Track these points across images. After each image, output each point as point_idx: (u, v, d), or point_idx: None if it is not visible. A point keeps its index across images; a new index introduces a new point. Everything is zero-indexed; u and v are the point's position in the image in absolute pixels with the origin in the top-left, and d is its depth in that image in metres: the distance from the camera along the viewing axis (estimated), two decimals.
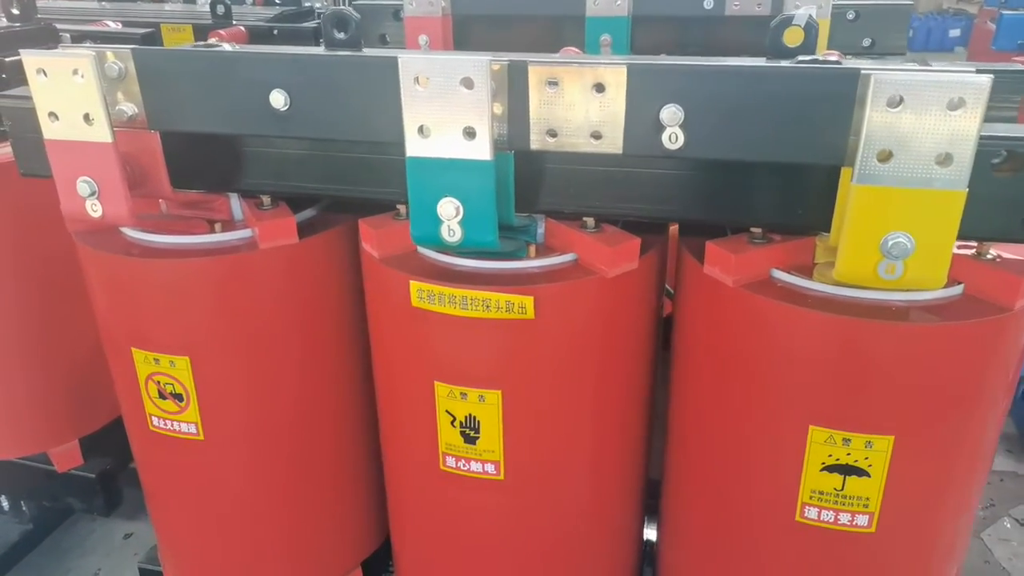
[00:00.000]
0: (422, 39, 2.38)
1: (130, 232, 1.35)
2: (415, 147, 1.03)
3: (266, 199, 1.34)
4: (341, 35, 1.71)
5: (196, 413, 1.38)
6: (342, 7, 1.85)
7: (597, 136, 1.02)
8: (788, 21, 1.40)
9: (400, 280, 1.20)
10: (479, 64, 0.96)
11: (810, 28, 1.37)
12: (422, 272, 1.20)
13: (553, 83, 1.01)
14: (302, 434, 1.47)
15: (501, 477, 1.29)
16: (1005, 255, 1.11)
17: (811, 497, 1.17)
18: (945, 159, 0.87)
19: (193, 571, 1.62)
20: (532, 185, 1.15)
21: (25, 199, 1.78)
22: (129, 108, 1.17)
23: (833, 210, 1.04)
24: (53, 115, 1.12)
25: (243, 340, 1.35)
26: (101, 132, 1.11)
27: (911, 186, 0.89)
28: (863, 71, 0.91)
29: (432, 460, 1.32)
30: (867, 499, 1.14)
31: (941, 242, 0.91)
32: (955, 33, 6.61)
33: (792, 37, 1.45)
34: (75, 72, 1.08)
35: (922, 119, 0.86)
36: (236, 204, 1.38)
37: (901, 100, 0.86)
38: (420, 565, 1.54)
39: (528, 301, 1.14)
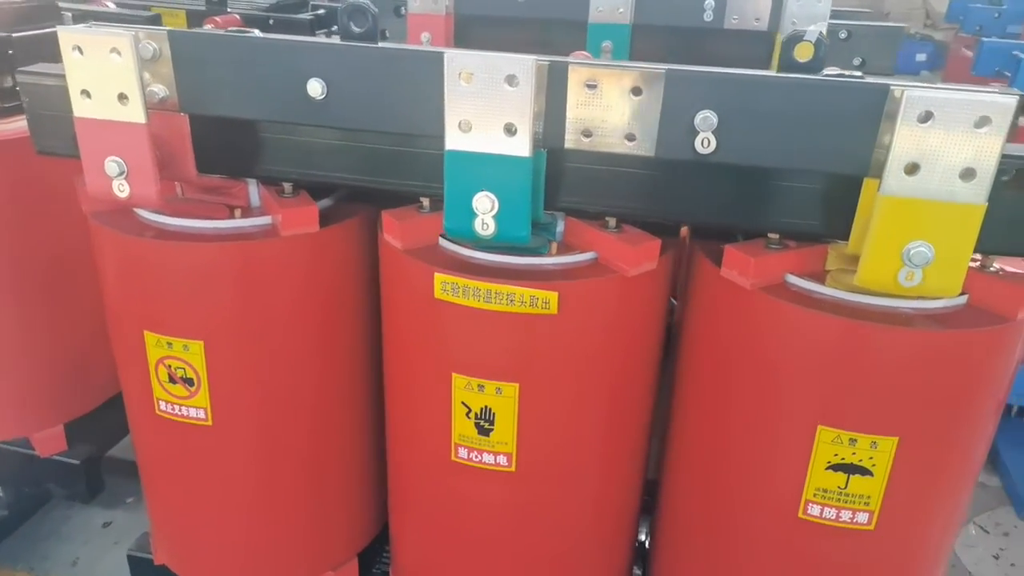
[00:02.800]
0: (424, 36, 2.40)
1: (147, 214, 1.34)
2: (455, 141, 1.05)
3: (287, 186, 1.35)
4: (358, 29, 1.73)
5: (206, 398, 1.38)
6: (357, 1, 1.86)
7: (631, 138, 1.06)
8: (800, 37, 1.45)
9: (424, 272, 1.21)
10: (525, 63, 0.99)
11: (820, 44, 1.42)
12: (446, 265, 1.22)
13: (592, 85, 1.04)
14: (310, 423, 1.47)
15: (512, 469, 1.31)
16: (1007, 268, 1.17)
17: (815, 495, 1.21)
18: (968, 174, 0.92)
19: (189, 557, 1.61)
20: (558, 183, 1.18)
21: (14, 182, 1.75)
22: (160, 90, 1.17)
23: (851, 219, 1.09)
24: (86, 93, 1.12)
25: (258, 326, 1.35)
26: (135, 112, 1.11)
27: (935, 198, 0.94)
28: (892, 86, 0.96)
29: (443, 451, 1.33)
30: (868, 497, 1.19)
31: (960, 253, 0.96)
32: (921, 57, 6.81)
33: (802, 52, 1.50)
34: (112, 51, 1.08)
35: (949, 135, 0.91)
36: (254, 191, 1.38)
37: (931, 116, 0.91)
38: (421, 555, 1.55)
39: (552, 296, 1.17)
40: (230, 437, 1.43)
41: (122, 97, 1.11)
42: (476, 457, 1.32)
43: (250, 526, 1.53)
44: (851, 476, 1.19)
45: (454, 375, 1.26)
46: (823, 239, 1.19)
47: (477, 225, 1.09)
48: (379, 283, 1.43)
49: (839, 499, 1.20)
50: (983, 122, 0.89)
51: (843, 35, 2.32)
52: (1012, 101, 0.88)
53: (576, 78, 1.04)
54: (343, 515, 1.62)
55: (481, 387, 1.26)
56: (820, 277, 1.19)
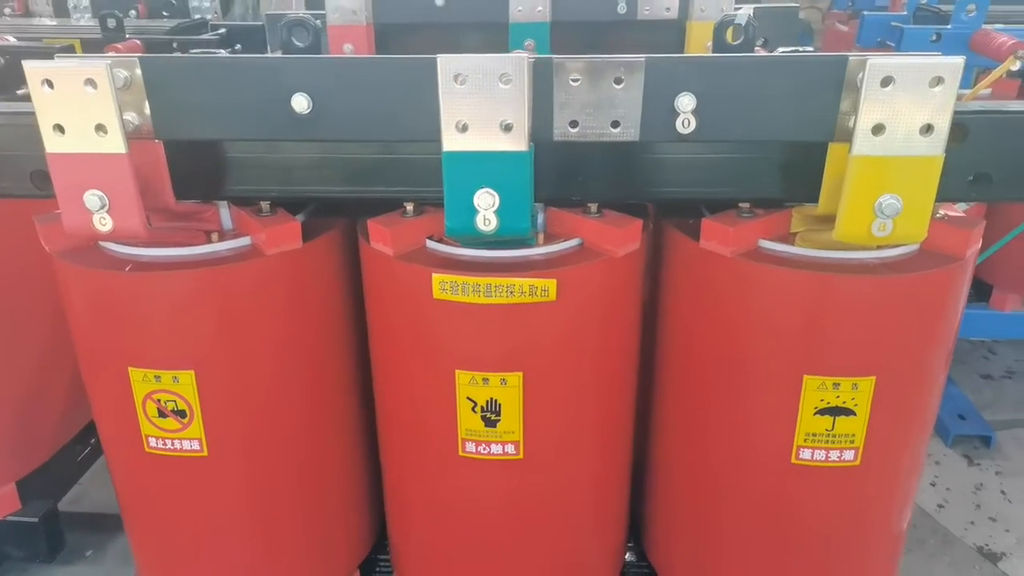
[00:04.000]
0: (347, 47, 2.39)
1: (117, 248, 1.30)
2: (453, 142, 1.08)
3: (264, 205, 1.34)
4: (300, 43, 1.73)
5: (200, 429, 1.35)
6: (301, 14, 1.85)
7: (616, 125, 1.12)
8: (731, 21, 1.56)
9: (421, 274, 1.24)
10: (518, 61, 1.03)
11: (749, 27, 1.53)
12: (441, 265, 1.24)
13: (575, 78, 1.09)
14: (305, 440, 1.46)
15: (520, 456, 1.35)
16: (950, 213, 1.30)
17: (806, 439, 1.31)
18: (927, 129, 1.03)
19: None
20: (544, 175, 1.22)
21: None
22: (133, 118, 1.14)
23: (817, 184, 1.19)
24: (59, 128, 1.08)
25: (248, 349, 1.33)
26: (115, 143, 1.08)
27: (900, 154, 1.04)
28: (851, 58, 1.06)
29: (450, 447, 1.36)
30: (853, 435, 1.30)
31: (924, 201, 1.07)
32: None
33: (733, 35, 1.61)
34: (87, 82, 1.05)
35: (909, 96, 1.01)
36: (226, 213, 1.36)
37: (891, 80, 1.01)
38: (427, 554, 1.57)
39: (551, 284, 1.22)
40: (226, 465, 1.40)
41: (100, 128, 1.08)
42: (484, 449, 1.35)
43: (250, 553, 1.51)
44: (836, 418, 1.29)
45: (458, 372, 1.29)
46: (791, 204, 1.29)
47: (479, 222, 1.12)
48: (359, 293, 1.44)
49: (827, 441, 1.31)
50: (937, 82, 1.00)
51: (754, 24, 2.47)
52: (960, 60, 0.99)
53: (562, 73, 1.09)
54: (342, 529, 1.62)
55: (486, 380, 1.29)
56: (788, 240, 1.29)
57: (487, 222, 1.12)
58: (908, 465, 1.40)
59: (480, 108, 1.05)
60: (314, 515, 1.53)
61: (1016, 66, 2.12)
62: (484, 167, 1.09)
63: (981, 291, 2.99)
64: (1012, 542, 2.33)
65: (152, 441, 1.37)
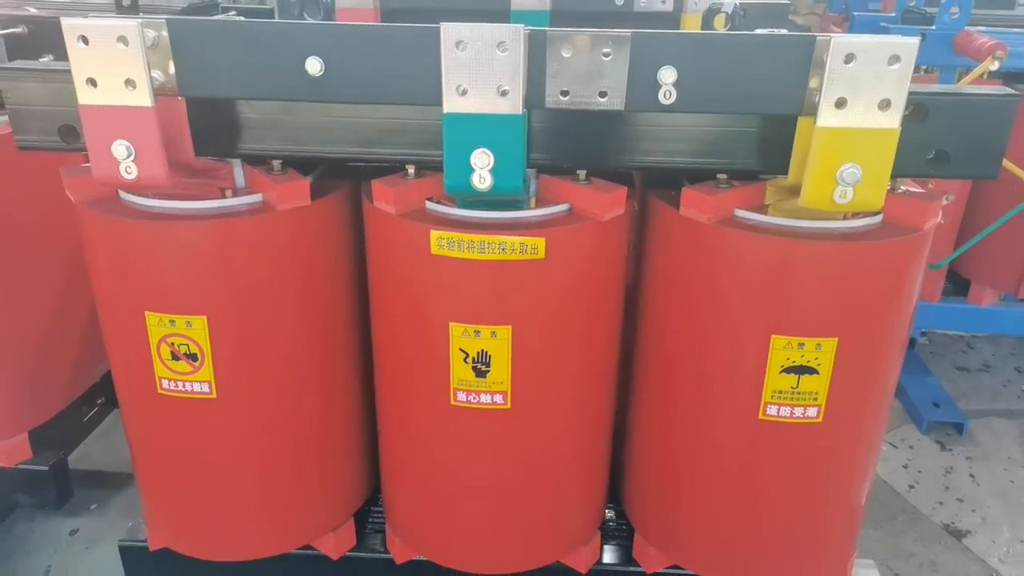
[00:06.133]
0: None
1: (138, 200, 1.40)
2: (453, 104, 1.18)
3: (276, 164, 1.43)
4: (312, 19, 1.83)
5: (210, 372, 1.44)
6: None
7: (603, 95, 1.21)
8: (718, 10, 1.66)
9: (420, 231, 1.34)
10: (514, 30, 1.13)
11: (735, 15, 1.63)
12: (439, 223, 1.34)
13: (566, 50, 1.19)
14: (310, 389, 1.56)
15: (508, 406, 1.45)
16: (911, 188, 1.40)
17: (772, 396, 1.41)
18: (885, 104, 1.13)
19: (193, 534, 1.66)
20: (537, 141, 1.32)
21: None
22: (158, 75, 1.23)
23: (787, 156, 1.29)
24: (91, 81, 1.18)
25: (256, 298, 1.43)
26: (142, 97, 1.18)
27: (860, 126, 1.14)
28: (818, 37, 1.16)
29: (443, 397, 1.46)
30: (816, 393, 1.40)
31: (881, 170, 1.17)
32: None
33: (719, 23, 1.71)
34: (119, 39, 1.15)
35: (868, 72, 1.11)
36: (239, 171, 1.46)
37: (853, 57, 1.11)
38: (417, 503, 1.66)
39: (540, 242, 1.32)
40: (234, 409, 1.50)
41: (129, 83, 1.17)
42: (474, 399, 1.45)
43: (255, 495, 1.60)
44: (801, 376, 1.39)
45: (451, 324, 1.39)
46: (764, 176, 1.39)
47: (475, 180, 1.22)
48: (361, 252, 1.54)
49: (792, 398, 1.41)
50: (894, 60, 1.10)
51: (740, 12, 2.58)
52: (915, 41, 1.09)
53: (553, 44, 1.19)
54: (342, 476, 1.71)
55: (477, 332, 1.39)
56: (762, 210, 1.39)
57: (482, 180, 1.22)
58: (868, 426, 1.50)
59: (478, 73, 1.15)
60: (315, 460, 1.63)
61: (995, 66, 2.23)
62: (481, 128, 1.19)
63: (959, 286, 3.09)
64: (977, 521, 2.43)
65: (165, 383, 1.46)
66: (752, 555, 1.61)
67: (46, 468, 2.05)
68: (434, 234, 1.32)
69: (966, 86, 1.33)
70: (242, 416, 1.51)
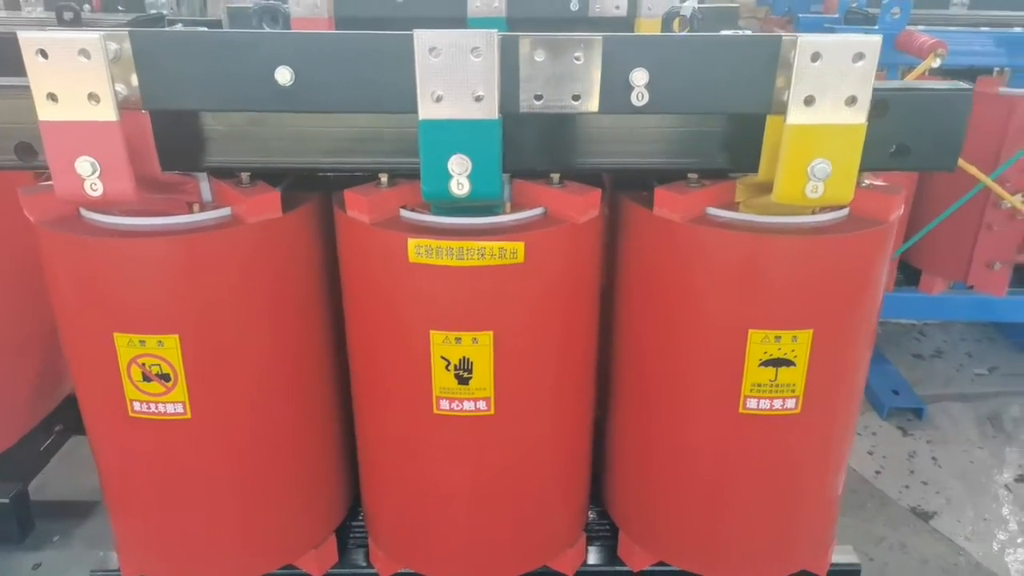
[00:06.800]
0: None
1: (101, 218, 1.36)
2: (428, 111, 1.17)
3: (245, 177, 1.41)
4: (271, 30, 1.80)
5: (184, 392, 1.41)
6: (271, 2, 1.92)
7: (576, 98, 1.22)
8: (676, 13, 1.68)
9: (397, 239, 1.32)
10: (488, 36, 1.13)
11: (694, 19, 1.66)
12: (415, 231, 1.33)
13: (539, 54, 1.20)
14: (286, 405, 1.53)
15: (491, 412, 1.44)
16: (875, 183, 1.44)
17: (752, 390, 1.43)
18: (851, 100, 1.16)
19: (169, 560, 1.61)
20: (511, 147, 1.32)
21: None
22: (121, 89, 1.20)
23: (757, 155, 1.31)
24: (52, 97, 1.14)
25: (230, 314, 1.40)
26: (107, 111, 1.15)
27: (828, 123, 1.17)
28: (784, 37, 1.18)
29: (425, 406, 1.44)
30: (794, 385, 1.43)
31: (850, 164, 1.20)
32: None
33: (679, 25, 1.74)
34: (81, 52, 1.11)
35: (834, 70, 1.14)
36: (206, 185, 1.43)
37: (819, 56, 1.13)
38: (401, 515, 1.64)
39: (519, 247, 1.32)
40: (209, 429, 1.46)
41: (92, 97, 1.14)
42: (457, 406, 1.44)
43: (233, 516, 1.56)
44: (779, 369, 1.42)
45: (432, 332, 1.38)
46: (735, 175, 1.42)
47: (453, 186, 1.22)
48: (332, 264, 1.52)
49: (771, 391, 1.43)
50: (858, 57, 1.13)
51: (699, 16, 2.63)
52: (878, 39, 1.12)
53: (526, 48, 1.19)
54: (322, 491, 1.68)
55: (458, 340, 1.38)
56: (733, 207, 1.42)
57: (460, 186, 1.22)
58: (843, 414, 1.53)
59: (453, 79, 1.15)
60: (294, 477, 1.60)
61: (936, 63, 2.31)
62: (457, 135, 1.18)
63: (911, 276, 3.19)
64: (942, 502, 2.51)
65: (136, 405, 1.42)
66: (737, 547, 1.63)
67: (6, 501, 1.98)
68: (411, 242, 1.31)
69: (924, 82, 1.37)
70: (218, 436, 1.48)
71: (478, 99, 1.16)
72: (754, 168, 1.34)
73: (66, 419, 2.42)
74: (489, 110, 1.17)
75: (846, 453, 1.62)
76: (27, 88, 1.25)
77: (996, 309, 3.16)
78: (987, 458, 2.73)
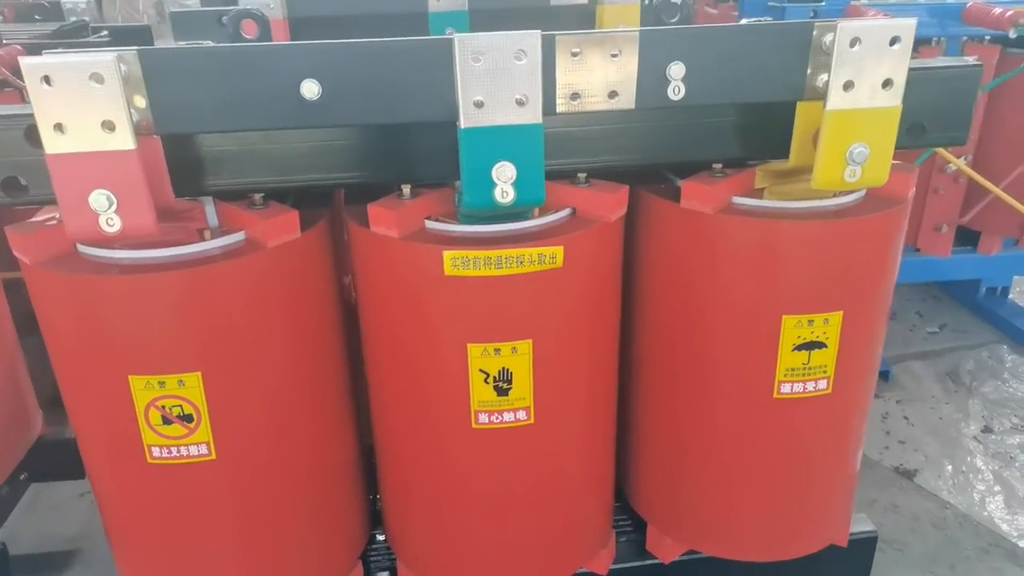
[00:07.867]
0: None
1: (101, 252, 1.25)
2: (471, 119, 1.12)
3: (257, 198, 1.32)
4: (249, 36, 1.71)
5: (207, 432, 1.32)
6: (247, 8, 1.81)
7: (613, 95, 1.20)
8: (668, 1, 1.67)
9: (431, 253, 1.27)
10: (532, 37, 1.08)
11: (685, 6, 1.65)
12: (448, 242, 1.28)
13: (576, 52, 1.16)
14: (310, 435, 1.45)
15: (531, 421, 1.41)
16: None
17: (786, 375, 1.45)
18: (888, 83, 1.17)
19: None
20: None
21: None
22: (132, 113, 1.11)
23: (783, 141, 1.32)
24: (59, 127, 1.04)
25: (253, 344, 1.32)
26: (123, 139, 1.05)
27: (866, 107, 1.18)
28: (815, 24, 1.19)
29: (463, 422, 1.40)
30: (826, 366, 1.45)
31: (886, 147, 1.22)
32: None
33: (667, 12, 1.73)
34: (92, 76, 1.01)
35: (872, 54, 1.15)
36: (211, 210, 1.34)
37: (858, 41, 1.14)
38: (433, 531, 1.59)
39: (559, 251, 1.28)
40: (235, 468, 1.37)
41: (106, 125, 1.04)
42: (496, 419, 1.40)
43: (258, 554, 1.48)
44: (812, 352, 1.44)
45: (469, 345, 1.33)
46: (753, 163, 1.42)
47: (497, 195, 1.17)
48: (338, 281, 1.46)
49: (804, 374, 1.45)
50: (895, 40, 1.14)
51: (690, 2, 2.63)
52: (913, 21, 1.14)
53: (563, 48, 1.15)
54: (347, 522, 1.62)
55: (497, 351, 1.34)
56: (756, 195, 1.42)
57: (505, 194, 1.17)
58: (867, 389, 1.57)
59: (497, 84, 1.10)
60: (320, 510, 1.53)
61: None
62: (501, 141, 1.14)
63: None
64: (921, 459, 2.62)
65: (156, 451, 1.32)
66: (768, 529, 1.65)
67: None
68: (447, 255, 1.26)
69: (935, 59, 1.41)
70: (244, 474, 1.39)
71: (520, 103, 1.12)
72: (777, 155, 1.35)
73: (29, 468, 2.25)
74: (533, 114, 1.13)
75: (864, 426, 1.66)
76: (10, 117, 1.15)
77: (942, 269, 3.31)
78: (953, 412, 2.87)
